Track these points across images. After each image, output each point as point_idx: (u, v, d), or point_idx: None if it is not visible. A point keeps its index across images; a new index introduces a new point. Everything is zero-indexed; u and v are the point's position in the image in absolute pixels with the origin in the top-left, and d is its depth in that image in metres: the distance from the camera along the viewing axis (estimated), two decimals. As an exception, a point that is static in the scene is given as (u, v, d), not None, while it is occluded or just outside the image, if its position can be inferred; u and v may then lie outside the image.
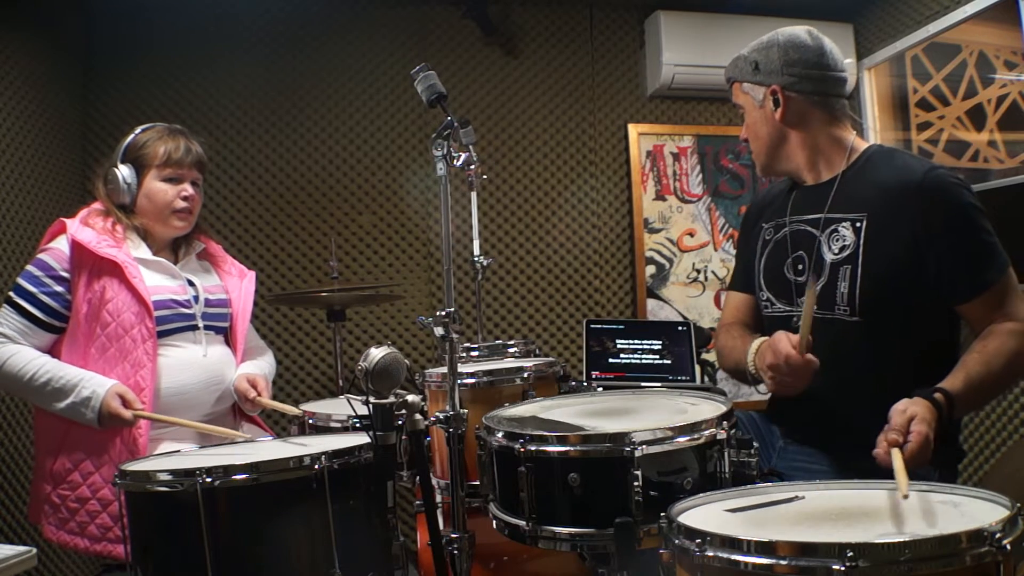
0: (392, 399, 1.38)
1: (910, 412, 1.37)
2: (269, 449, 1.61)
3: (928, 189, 1.57)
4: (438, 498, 1.65)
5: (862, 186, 1.67)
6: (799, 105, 1.72)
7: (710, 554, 0.95)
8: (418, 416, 1.43)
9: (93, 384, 1.83)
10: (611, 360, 2.65)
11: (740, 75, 1.80)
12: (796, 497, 1.15)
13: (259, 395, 2.02)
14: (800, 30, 1.73)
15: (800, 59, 1.70)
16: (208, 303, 2.07)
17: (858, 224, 1.64)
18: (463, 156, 1.66)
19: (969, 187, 1.60)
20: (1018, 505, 0.96)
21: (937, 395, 1.43)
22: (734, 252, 3.62)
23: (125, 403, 1.81)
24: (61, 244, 1.92)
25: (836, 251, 1.66)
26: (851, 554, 0.85)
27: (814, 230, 1.72)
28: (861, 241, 1.62)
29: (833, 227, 1.68)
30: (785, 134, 1.76)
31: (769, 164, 1.83)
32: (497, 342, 2.11)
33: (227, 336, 2.15)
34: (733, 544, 0.94)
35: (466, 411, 1.48)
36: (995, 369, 1.49)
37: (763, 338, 1.68)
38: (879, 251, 1.60)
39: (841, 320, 1.64)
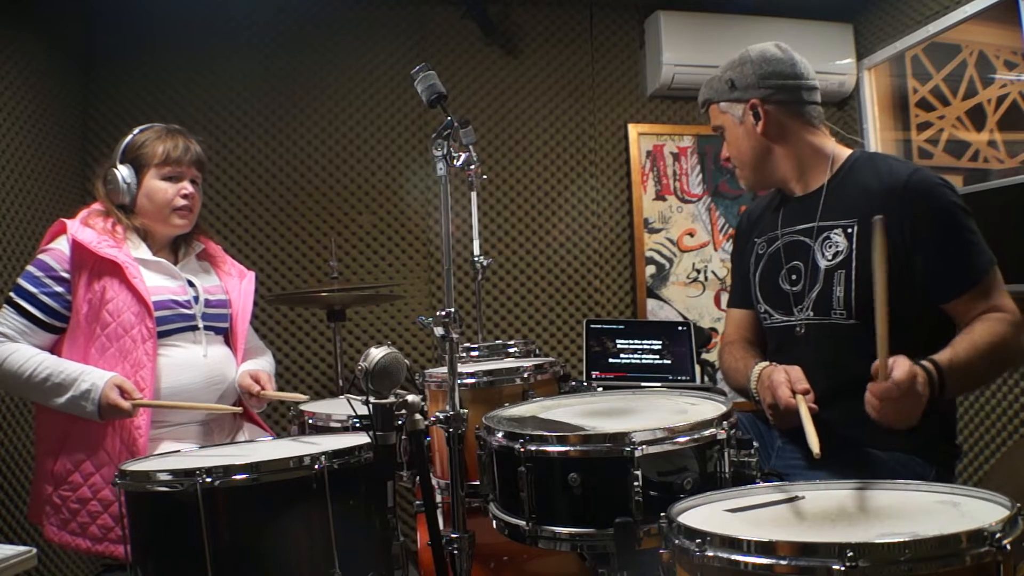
0: (392, 399, 1.38)
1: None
2: (269, 449, 1.61)
3: (913, 191, 1.60)
4: (438, 498, 1.65)
5: (850, 192, 1.71)
6: (778, 116, 1.76)
7: (710, 554, 0.95)
8: (418, 416, 1.44)
9: (92, 377, 1.83)
10: (611, 360, 2.66)
11: (716, 95, 1.82)
12: (796, 497, 1.15)
13: (263, 388, 2.03)
14: (769, 45, 1.78)
15: (774, 71, 1.75)
16: (208, 303, 2.07)
17: (849, 230, 1.67)
18: (463, 156, 1.66)
19: (953, 187, 1.63)
20: (1018, 505, 0.96)
21: (926, 363, 1.45)
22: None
23: (124, 394, 1.82)
24: (61, 244, 1.92)
25: (830, 257, 1.69)
26: (851, 554, 0.86)
27: (807, 239, 1.75)
28: (854, 246, 1.65)
29: (826, 234, 1.71)
30: (768, 147, 1.79)
31: (756, 179, 1.85)
32: (497, 342, 2.11)
33: (227, 336, 2.15)
34: (733, 544, 0.94)
35: (466, 411, 1.48)
36: (981, 348, 1.51)
37: (763, 364, 1.70)
38: (871, 254, 1.60)
39: (838, 324, 1.66)
